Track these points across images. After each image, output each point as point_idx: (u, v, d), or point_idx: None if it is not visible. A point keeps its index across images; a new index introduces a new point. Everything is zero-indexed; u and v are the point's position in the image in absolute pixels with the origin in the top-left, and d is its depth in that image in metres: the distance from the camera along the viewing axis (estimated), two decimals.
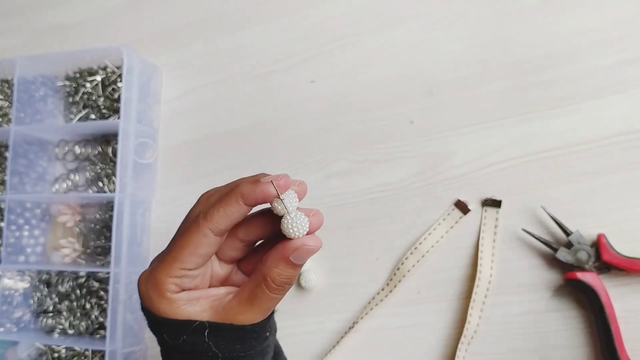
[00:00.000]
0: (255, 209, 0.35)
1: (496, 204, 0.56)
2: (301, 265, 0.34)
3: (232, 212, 0.33)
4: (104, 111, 0.70)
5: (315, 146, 0.63)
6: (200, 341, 0.34)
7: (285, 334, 0.55)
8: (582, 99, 0.55)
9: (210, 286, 0.37)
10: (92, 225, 0.70)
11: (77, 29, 0.78)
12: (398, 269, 0.57)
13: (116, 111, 0.69)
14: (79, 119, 0.71)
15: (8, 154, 0.69)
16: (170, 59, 0.71)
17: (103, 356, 0.61)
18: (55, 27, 0.79)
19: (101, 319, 0.67)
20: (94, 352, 0.65)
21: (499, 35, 0.59)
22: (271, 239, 0.37)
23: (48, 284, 0.70)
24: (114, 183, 0.69)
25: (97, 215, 0.71)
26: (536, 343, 0.53)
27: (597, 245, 0.51)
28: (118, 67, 0.70)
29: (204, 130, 0.68)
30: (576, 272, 0.50)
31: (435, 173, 0.58)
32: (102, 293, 0.67)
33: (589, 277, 0.50)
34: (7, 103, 0.76)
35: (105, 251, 0.68)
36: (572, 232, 0.52)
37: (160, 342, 0.37)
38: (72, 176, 0.72)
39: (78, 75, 0.72)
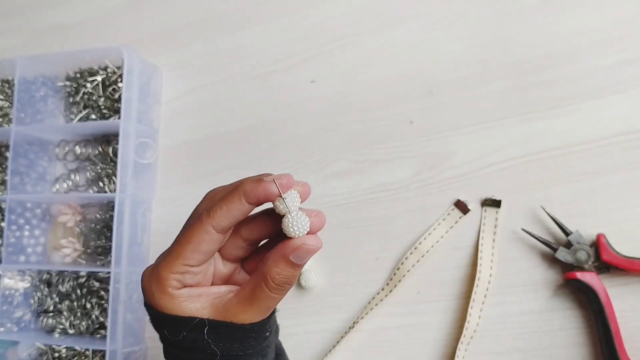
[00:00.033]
0: (259, 209, 0.35)
1: (496, 203, 0.56)
2: (301, 266, 0.34)
3: (235, 210, 0.33)
4: (105, 111, 0.70)
5: (315, 146, 0.63)
6: (199, 338, 0.34)
7: (285, 334, 0.55)
8: (582, 99, 0.55)
9: (213, 284, 0.38)
10: (93, 225, 0.71)
11: (77, 29, 0.78)
12: (398, 269, 0.57)
13: (116, 111, 0.69)
14: (80, 119, 0.71)
15: (9, 154, 0.69)
16: (170, 59, 0.71)
17: (103, 356, 0.61)
18: (56, 27, 0.79)
19: (102, 319, 0.67)
20: (94, 351, 0.66)
21: (499, 35, 0.59)
22: (274, 239, 0.37)
23: (48, 283, 0.70)
24: (114, 183, 0.69)
25: (98, 215, 0.71)
26: (536, 343, 0.53)
27: (597, 245, 0.51)
28: (118, 67, 0.70)
29: (204, 130, 0.68)
30: (576, 272, 0.50)
31: (435, 173, 0.58)
32: (102, 293, 0.68)
33: (588, 277, 0.50)
34: (8, 103, 0.76)
35: (106, 251, 0.69)
36: (571, 232, 0.52)
37: (162, 339, 0.37)
38: (72, 176, 0.72)
39: (78, 75, 0.72)
